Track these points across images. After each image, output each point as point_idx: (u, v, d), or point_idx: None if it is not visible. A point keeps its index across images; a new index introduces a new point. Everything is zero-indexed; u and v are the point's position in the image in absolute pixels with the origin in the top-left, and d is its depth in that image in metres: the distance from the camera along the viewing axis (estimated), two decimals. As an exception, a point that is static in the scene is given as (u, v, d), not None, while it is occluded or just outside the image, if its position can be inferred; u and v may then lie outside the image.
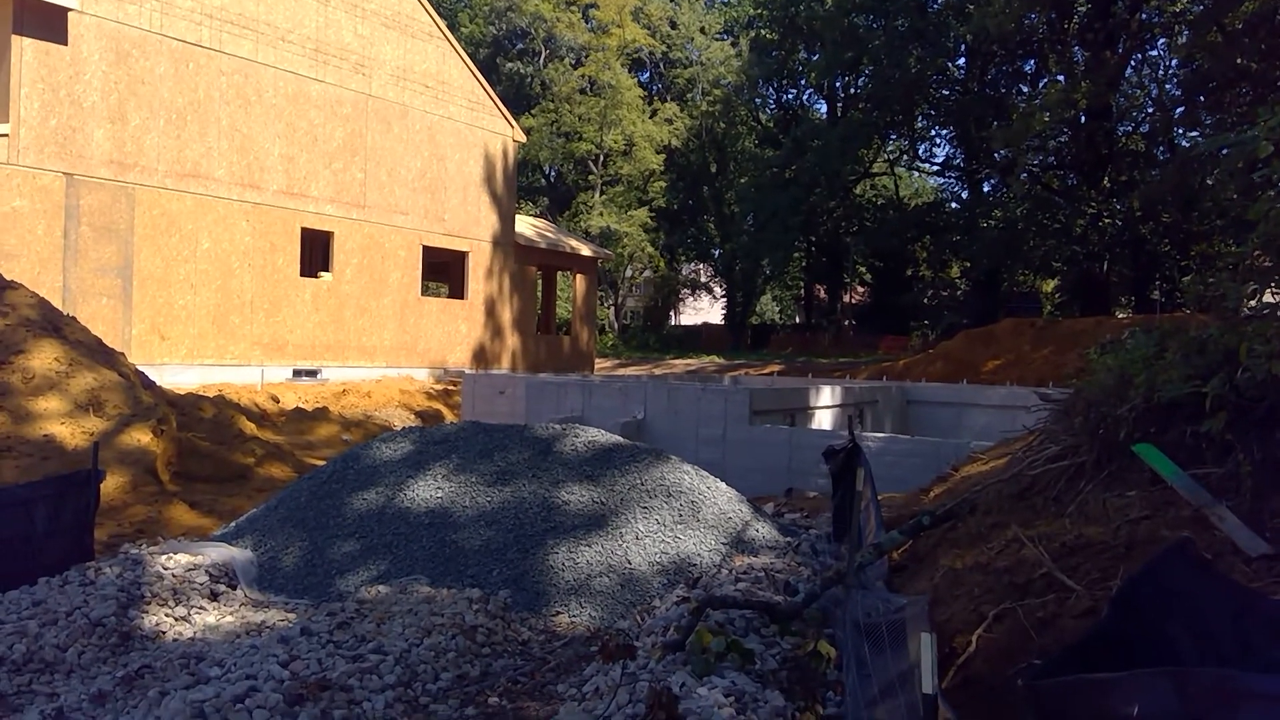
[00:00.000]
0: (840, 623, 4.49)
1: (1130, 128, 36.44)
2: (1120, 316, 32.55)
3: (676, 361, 40.92)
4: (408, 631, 4.78)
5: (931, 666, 2.89)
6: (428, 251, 25.39)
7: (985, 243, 35.30)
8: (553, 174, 58.56)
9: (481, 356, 27.02)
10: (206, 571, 5.74)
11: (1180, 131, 32.74)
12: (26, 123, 17.31)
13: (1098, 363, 5.48)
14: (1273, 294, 5.13)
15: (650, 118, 51.43)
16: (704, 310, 65.81)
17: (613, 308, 58.13)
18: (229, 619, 5.38)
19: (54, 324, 10.28)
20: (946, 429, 14.54)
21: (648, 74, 57.14)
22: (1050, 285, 44.43)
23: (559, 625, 5.34)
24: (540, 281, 32.13)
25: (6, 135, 17.02)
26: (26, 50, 17.26)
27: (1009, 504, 5.14)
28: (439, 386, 23.41)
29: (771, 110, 53.38)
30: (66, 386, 9.37)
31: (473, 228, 26.67)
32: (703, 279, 62.79)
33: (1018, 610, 3.89)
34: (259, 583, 5.91)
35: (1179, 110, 31.42)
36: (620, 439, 7.39)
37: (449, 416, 19.96)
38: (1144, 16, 32.85)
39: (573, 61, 52.68)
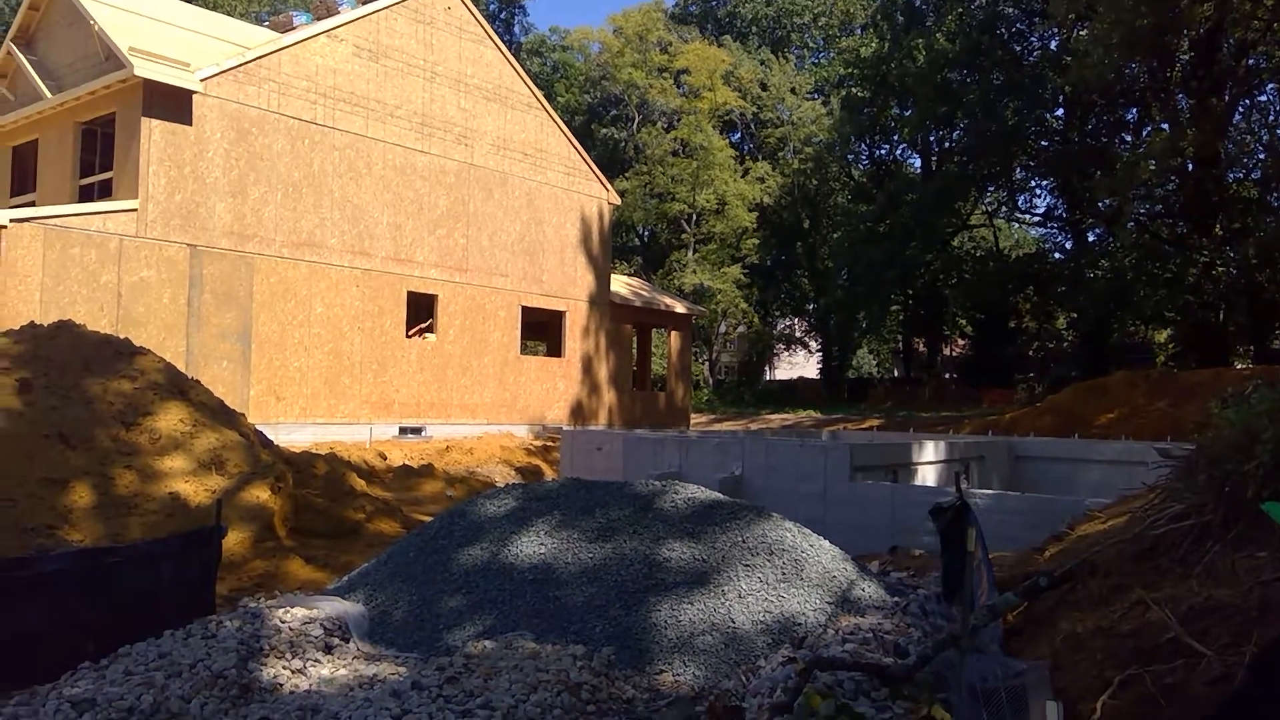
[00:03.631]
0: (955, 687, 4.36)
1: (1241, 174, 35.07)
2: (1239, 367, 31.04)
3: (773, 416, 40.57)
4: (514, 687, 4.82)
5: (1056, 733, 2.79)
6: (526, 311, 25.97)
7: (1092, 293, 34.22)
8: (646, 234, 59.41)
9: (579, 413, 27.33)
10: (321, 625, 5.90)
11: (1296, 177, 31.40)
12: (154, 198, 18.47)
13: (1220, 417, 5.27)
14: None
15: (742, 177, 51.89)
16: (799, 365, 65.27)
17: (707, 363, 58.18)
18: (343, 671, 5.52)
19: (179, 387, 10.83)
20: (1058, 486, 14.02)
21: (739, 134, 57.78)
22: (1163, 335, 42.74)
23: (663, 684, 5.31)
24: (635, 338, 32.45)
25: (135, 210, 18.19)
26: (155, 131, 18.50)
27: (1131, 565, 4.94)
28: (538, 443, 23.73)
29: (864, 165, 53.24)
30: (191, 446, 9.83)
31: (569, 288, 27.19)
32: (797, 333, 62.45)
33: (1144, 676, 3.72)
34: (370, 636, 6.05)
35: (1294, 155, 30.18)
36: (720, 495, 7.36)
37: (548, 472, 20.18)
38: (1251, 62, 31.81)
39: (665, 125, 53.68)
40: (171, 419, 10.07)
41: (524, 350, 27.22)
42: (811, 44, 61.15)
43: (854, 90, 47.72)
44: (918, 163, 50.93)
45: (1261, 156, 33.20)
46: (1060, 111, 41.04)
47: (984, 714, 3.80)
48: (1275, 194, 33.04)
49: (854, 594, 6.14)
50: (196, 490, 9.31)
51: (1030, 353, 44.66)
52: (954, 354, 55.42)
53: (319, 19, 22.58)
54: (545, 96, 28.90)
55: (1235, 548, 4.53)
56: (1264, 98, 34.66)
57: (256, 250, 19.96)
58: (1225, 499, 4.75)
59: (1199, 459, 5.26)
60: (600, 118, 57.08)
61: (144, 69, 17.98)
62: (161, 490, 9.21)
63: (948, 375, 49.97)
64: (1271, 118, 34.35)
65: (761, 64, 55.85)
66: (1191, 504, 4.98)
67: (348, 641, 5.88)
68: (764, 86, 54.74)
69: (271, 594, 6.96)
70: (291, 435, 19.42)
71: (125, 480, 9.09)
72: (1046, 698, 3.31)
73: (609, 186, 29.06)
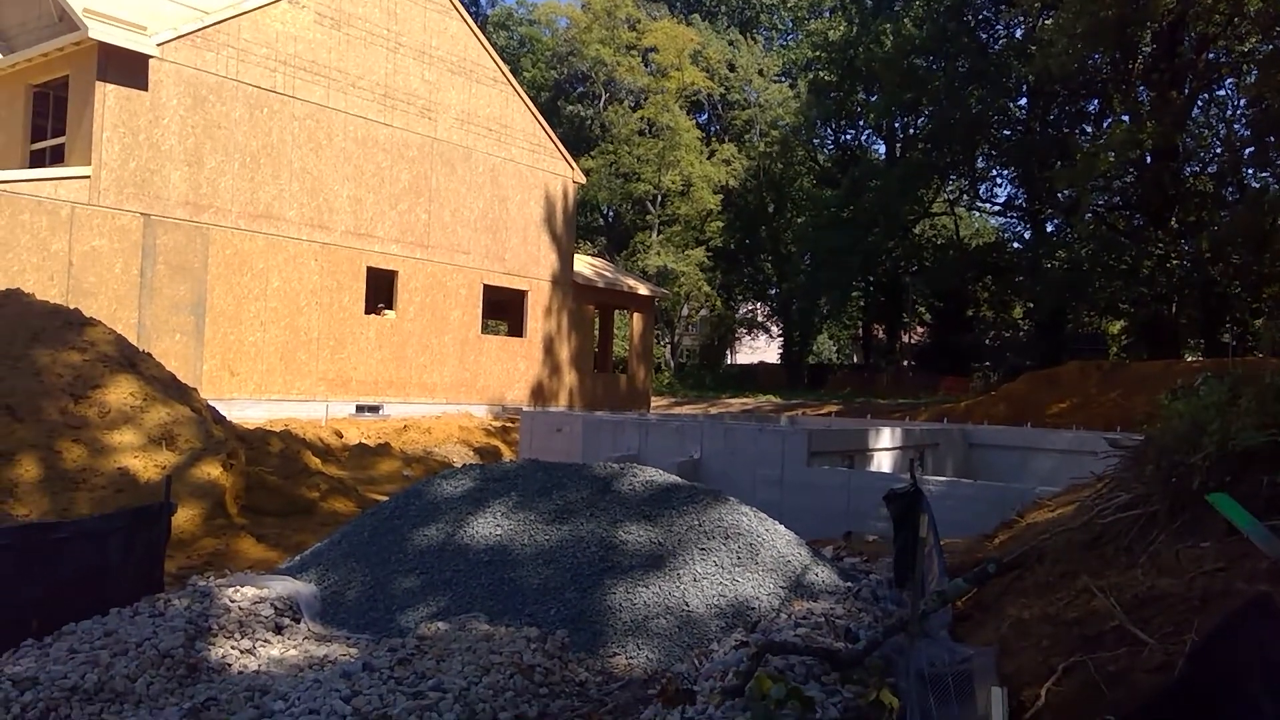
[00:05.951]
0: (903, 672, 4.41)
1: (1198, 168, 35.70)
2: (1190, 360, 31.67)
3: (732, 400, 40.75)
4: (467, 669, 4.80)
5: (1000, 720, 2.83)
6: (488, 290, 25.78)
7: (1049, 283, 34.72)
8: (611, 214, 59.20)
9: (539, 394, 27.24)
10: (272, 605, 5.84)
11: (1250, 172, 32.03)
12: (107, 165, 18.03)
13: (1169, 409, 5.34)
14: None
15: (708, 158, 51.80)
16: (760, 349, 65.59)
17: (669, 346, 58.24)
18: (293, 652, 5.46)
19: (130, 360, 10.62)
20: (1010, 473, 14.24)
21: (706, 115, 57.66)
22: (1116, 327, 43.50)
23: (616, 666, 5.33)
24: (598, 320, 32.36)
25: (88, 177, 17.75)
26: (109, 96, 18.03)
27: (1078, 553, 5.02)
28: (497, 423, 23.62)
29: (830, 151, 53.41)
30: (141, 421, 9.65)
31: (532, 267, 27.03)
32: (759, 318, 62.66)
33: (1088, 663, 3.78)
34: (322, 616, 5.99)
35: (1248, 151, 30.76)
36: (678, 479, 7.37)
37: (506, 453, 20.11)
38: (1211, 56, 32.32)
39: (632, 104, 53.39)
40: (122, 392, 9.88)
41: (485, 329, 27.02)
42: (780, 26, 61.05)
43: (821, 74, 47.78)
44: (882, 149, 51.21)
45: (1218, 151, 33.81)
46: (1023, 101, 41.47)
47: (931, 699, 3.84)
48: (1230, 188, 33.67)
49: (808, 579, 6.19)
50: (146, 466, 9.16)
51: (987, 341, 45.24)
52: (913, 341, 55.98)
53: (280, -14, 22.08)
54: (511, 71, 28.58)
55: (1180, 538, 4.61)
56: (1222, 92, 35.29)
57: (212, 221, 19.58)
58: (1171, 490, 4.84)
59: (1147, 450, 5.35)
60: (566, 94, 56.64)
61: (99, 31, 17.50)
62: (110, 465, 9.05)
63: (906, 362, 50.48)
64: (1229, 112, 34.97)
65: (730, 44, 55.68)
66: (1139, 494, 5.06)
67: (298, 622, 5.82)
68: (731, 68, 54.61)
69: (221, 572, 6.88)
70: (245, 411, 19.14)
71: (73, 454, 8.92)
72: (992, 683, 3.35)
73: (574, 165, 28.87)
